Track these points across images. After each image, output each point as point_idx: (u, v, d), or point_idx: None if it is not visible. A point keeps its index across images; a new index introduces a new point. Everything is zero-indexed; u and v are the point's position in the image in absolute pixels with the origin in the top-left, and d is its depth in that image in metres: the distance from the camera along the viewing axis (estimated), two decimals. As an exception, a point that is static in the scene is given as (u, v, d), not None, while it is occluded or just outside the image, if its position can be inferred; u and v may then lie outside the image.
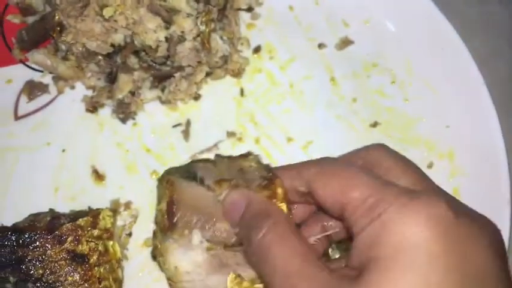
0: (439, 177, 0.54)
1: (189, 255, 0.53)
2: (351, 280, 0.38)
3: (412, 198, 0.38)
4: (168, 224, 0.53)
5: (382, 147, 0.48)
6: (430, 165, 0.70)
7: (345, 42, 0.76)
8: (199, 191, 0.53)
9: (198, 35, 0.67)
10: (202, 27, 0.67)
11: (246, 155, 0.55)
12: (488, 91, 0.70)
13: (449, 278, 0.35)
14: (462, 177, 0.69)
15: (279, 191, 0.50)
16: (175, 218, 0.53)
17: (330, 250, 0.56)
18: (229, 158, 0.56)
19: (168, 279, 0.55)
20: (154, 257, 0.57)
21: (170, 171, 0.56)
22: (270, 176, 0.52)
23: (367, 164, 0.47)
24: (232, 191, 0.51)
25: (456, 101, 0.71)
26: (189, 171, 0.55)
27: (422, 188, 0.43)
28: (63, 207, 0.63)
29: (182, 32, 0.66)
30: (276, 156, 0.70)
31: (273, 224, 0.44)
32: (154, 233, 0.57)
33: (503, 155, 0.66)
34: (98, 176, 0.68)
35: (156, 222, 0.56)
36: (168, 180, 0.54)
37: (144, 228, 0.65)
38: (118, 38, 0.66)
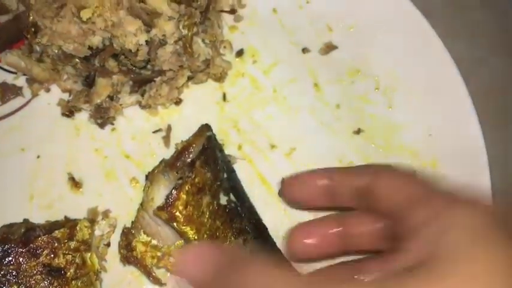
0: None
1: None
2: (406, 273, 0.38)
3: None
4: (171, 162, 0.60)
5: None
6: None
7: (329, 47, 0.75)
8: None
9: (179, 39, 0.65)
10: (185, 31, 0.65)
11: None
12: (471, 100, 0.70)
13: None
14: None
15: None
16: (180, 163, 0.59)
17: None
18: None
19: (141, 203, 0.61)
20: (147, 176, 0.63)
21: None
22: None
23: None
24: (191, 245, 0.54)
25: (439, 110, 0.71)
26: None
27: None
28: (38, 216, 0.62)
29: (163, 35, 0.64)
30: (259, 163, 0.69)
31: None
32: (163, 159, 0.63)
33: (485, 165, 0.66)
34: (75, 183, 0.66)
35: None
36: (207, 136, 0.61)
37: (124, 237, 0.63)
38: (96, 40, 0.64)
